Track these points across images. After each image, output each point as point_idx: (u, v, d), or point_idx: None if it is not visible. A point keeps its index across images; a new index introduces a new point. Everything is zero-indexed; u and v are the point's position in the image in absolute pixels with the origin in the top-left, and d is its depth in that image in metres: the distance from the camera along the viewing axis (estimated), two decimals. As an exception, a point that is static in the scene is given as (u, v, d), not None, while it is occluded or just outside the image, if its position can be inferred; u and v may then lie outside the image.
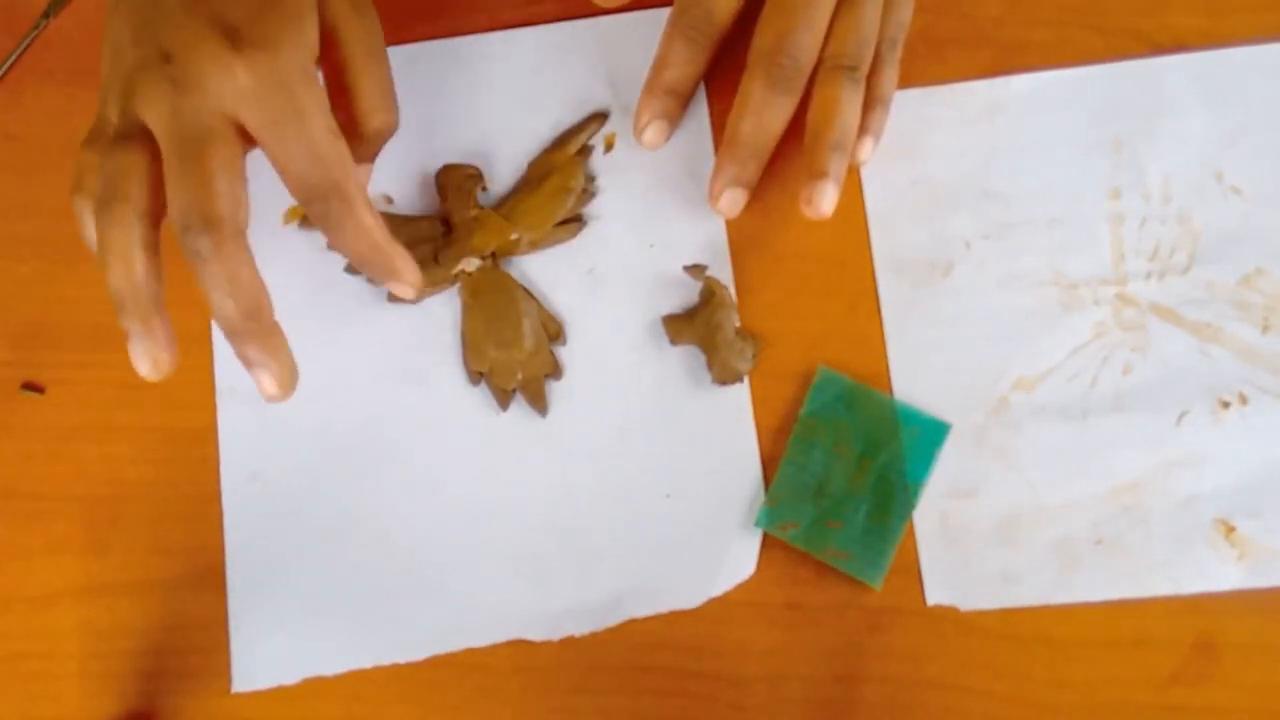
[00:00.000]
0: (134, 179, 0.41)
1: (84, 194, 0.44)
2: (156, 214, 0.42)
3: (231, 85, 0.41)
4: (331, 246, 0.46)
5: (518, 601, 0.49)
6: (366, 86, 0.46)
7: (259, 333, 0.41)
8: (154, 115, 0.41)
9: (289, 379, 0.42)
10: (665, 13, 0.50)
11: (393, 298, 0.51)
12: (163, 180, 0.41)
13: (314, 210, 0.43)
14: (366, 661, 0.49)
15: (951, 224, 0.51)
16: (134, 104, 0.42)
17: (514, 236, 0.51)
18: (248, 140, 0.42)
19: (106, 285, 0.41)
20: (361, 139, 0.47)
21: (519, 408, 0.50)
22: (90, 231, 0.43)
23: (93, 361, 0.52)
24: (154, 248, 0.42)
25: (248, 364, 0.42)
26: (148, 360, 0.41)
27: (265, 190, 0.51)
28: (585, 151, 0.52)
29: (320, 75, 0.45)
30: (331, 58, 0.46)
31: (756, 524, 0.49)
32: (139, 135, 0.42)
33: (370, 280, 0.50)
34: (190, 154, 0.40)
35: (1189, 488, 0.48)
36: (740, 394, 0.50)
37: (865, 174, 0.51)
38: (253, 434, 0.51)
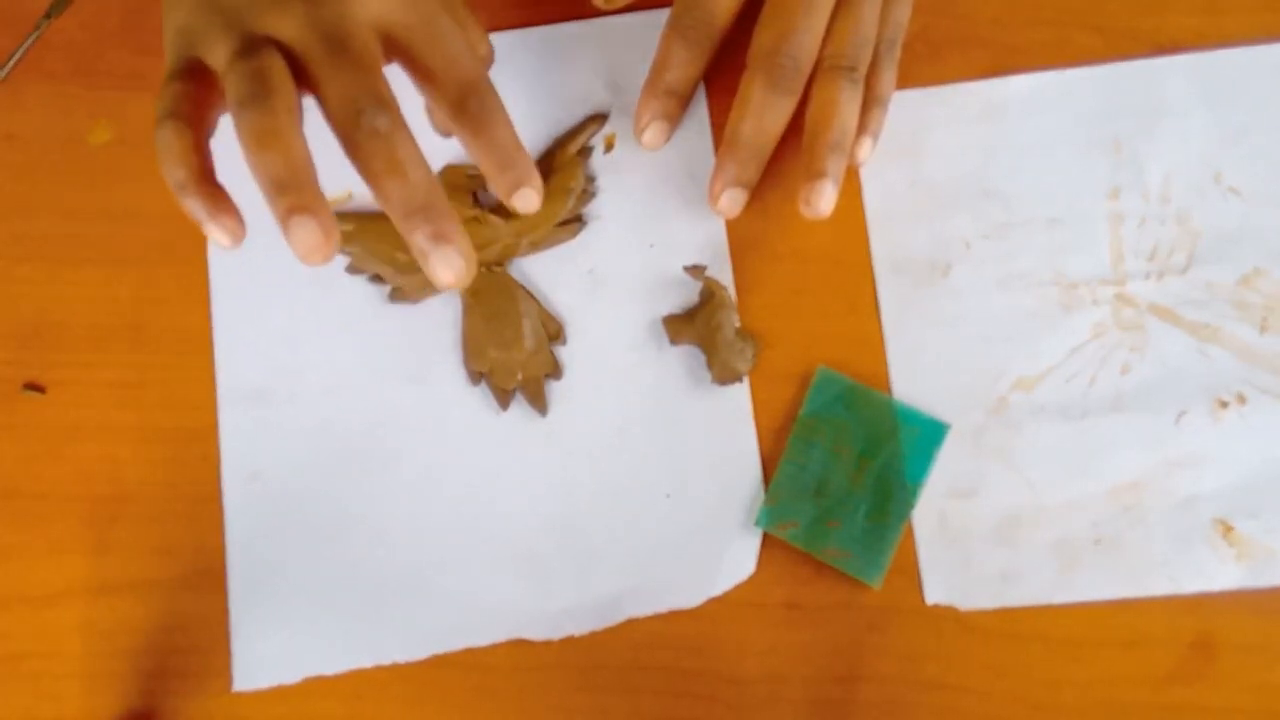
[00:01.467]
0: (277, 74, 0.39)
1: (185, 123, 0.40)
2: (300, 110, 0.40)
3: None
4: (475, 149, 0.43)
5: (517, 601, 0.49)
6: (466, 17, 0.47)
7: (438, 214, 0.39)
8: (292, 25, 0.40)
9: (466, 265, 0.40)
10: (665, 13, 0.50)
11: (394, 297, 0.51)
12: (299, 84, 0.40)
13: (469, 107, 0.42)
14: (366, 661, 0.49)
15: (951, 224, 0.51)
16: (260, 23, 0.40)
17: (513, 240, 0.51)
18: (389, 53, 0.42)
19: (259, 177, 0.38)
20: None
21: (519, 408, 0.50)
22: (177, 168, 0.40)
23: (93, 361, 0.52)
24: (302, 136, 0.39)
25: (422, 251, 0.39)
26: (311, 240, 0.38)
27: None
28: (585, 152, 0.52)
29: None
30: None
31: (756, 524, 0.49)
32: (268, 46, 0.40)
33: (500, 189, 0.44)
34: (343, 48, 0.39)
35: (1188, 488, 0.48)
36: (740, 394, 0.50)
37: (864, 174, 0.51)
38: (253, 434, 0.51)
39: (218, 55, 0.41)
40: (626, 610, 0.49)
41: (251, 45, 0.40)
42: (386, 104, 0.39)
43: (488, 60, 0.49)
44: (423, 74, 0.42)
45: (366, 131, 0.38)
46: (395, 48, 0.42)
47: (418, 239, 0.39)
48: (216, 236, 0.40)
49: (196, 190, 0.39)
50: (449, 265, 0.39)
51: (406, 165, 0.39)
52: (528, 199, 0.43)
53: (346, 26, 0.40)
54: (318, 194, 0.38)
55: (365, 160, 0.39)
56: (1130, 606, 0.47)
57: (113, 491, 0.51)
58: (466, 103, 0.42)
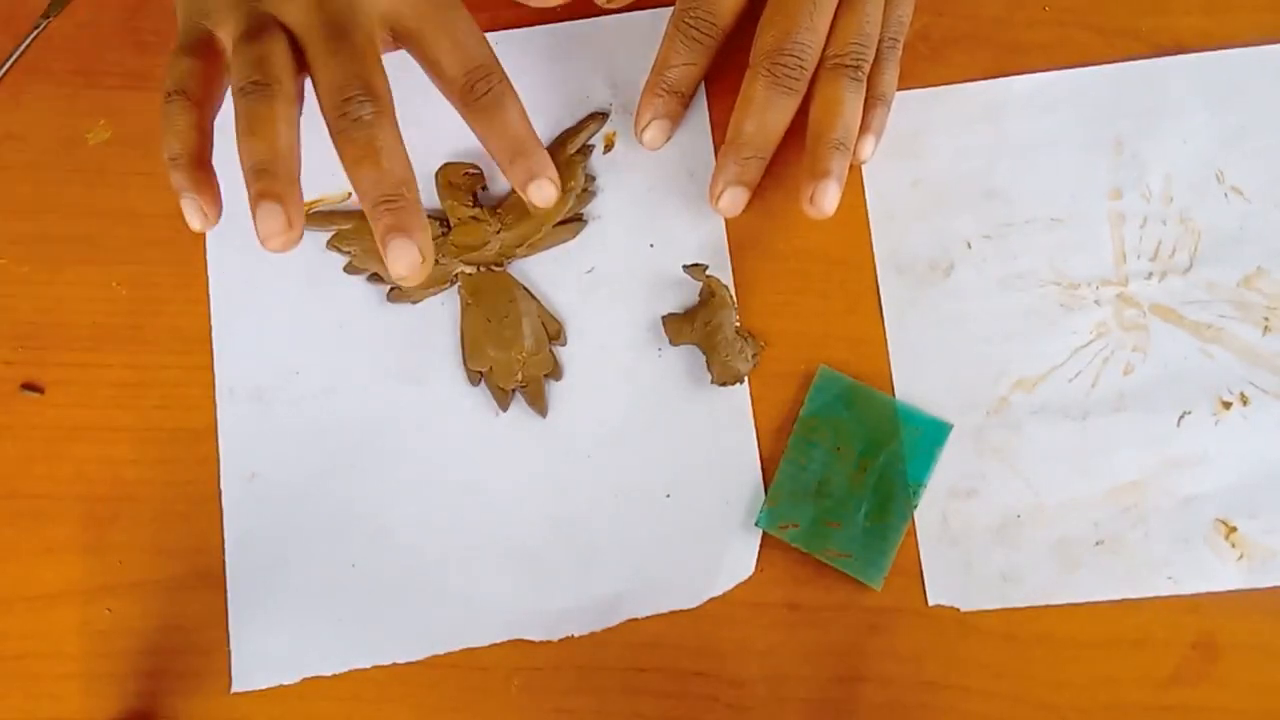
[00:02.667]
0: (278, 61, 0.41)
1: (188, 101, 0.42)
2: (300, 99, 0.42)
3: None
4: (486, 137, 0.44)
5: (517, 601, 0.49)
6: None
7: (404, 207, 0.40)
8: (298, 10, 0.41)
9: (422, 261, 0.41)
10: (665, 13, 0.50)
11: (393, 297, 0.51)
12: (300, 69, 0.41)
13: (477, 93, 0.43)
14: (365, 661, 0.49)
15: (953, 224, 0.51)
16: (271, 2, 0.42)
17: (512, 240, 0.51)
18: (394, 41, 0.43)
19: (242, 159, 0.40)
20: None
21: (519, 408, 0.50)
22: (174, 142, 0.41)
23: (93, 361, 0.52)
24: (296, 128, 0.41)
25: (384, 240, 0.40)
26: (273, 224, 0.39)
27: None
28: (585, 151, 0.52)
29: None
30: None
31: (756, 524, 0.48)
32: (273, 27, 0.42)
33: (514, 180, 0.45)
34: (342, 34, 0.41)
35: (1189, 488, 0.48)
36: (740, 394, 0.50)
37: (867, 174, 0.51)
38: (253, 434, 0.51)
39: (225, 30, 0.42)
40: (626, 611, 0.49)
41: (258, 27, 0.41)
42: (374, 94, 0.40)
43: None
44: (430, 62, 0.43)
45: (351, 118, 0.40)
46: (404, 36, 0.43)
47: (380, 227, 0.40)
48: (188, 213, 0.41)
49: (186, 166, 0.41)
50: (405, 257, 0.40)
51: (382, 154, 0.40)
52: (543, 190, 0.45)
53: (354, 17, 0.41)
54: (292, 184, 0.40)
55: (345, 145, 0.40)
56: (1132, 607, 0.47)
57: (112, 491, 0.51)
58: (474, 88, 0.43)
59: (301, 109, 0.43)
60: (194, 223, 0.42)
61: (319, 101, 0.41)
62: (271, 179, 0.40)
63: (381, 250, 0.41)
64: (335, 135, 0.40)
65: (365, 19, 0.42)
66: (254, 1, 0.42)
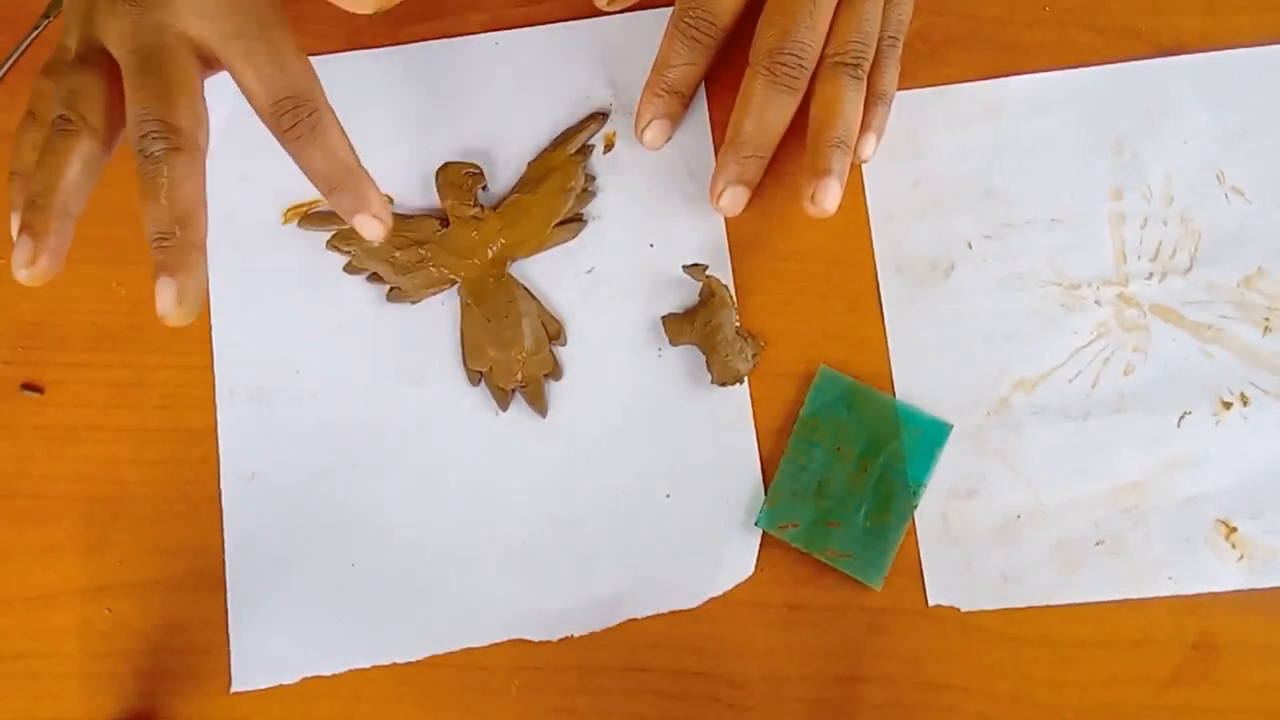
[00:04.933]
0: (90, 98, 0.41)
1: (34, 123, 0.44)
2: (108, 135, 0.42)
3: (193, 4, 0.42)
4: (303, 168, 0.44)
5: (517, 601, 0.49)
6: None
7: (172, 246, 0.40)
8: (114, 35, 0.42)
9: (190, 302, 0.40)
10: (665, 13, 0.50)
11: (392, 297, 0.51)
12: (119, 102, 0.42)
13: (283, 124, 0.42)
14: (365, 661, 0.49)
15: (953, 224, 0.51)
16: (94, 26, 0.42)
17: (512, 241, 0.51)
18: (208, 66, 0.43)
19: (25, 190, 0.41)
20: None
21: (518, 408, 0.50)
22: (25, 155, 0.43)
23: (93, 362, 0.52)
24: (92, 165, 0.42)
25: (156, 273, 0.40)
26: (22, 259, 0.40)
27: (265, 190, 0.52)
28: (585, 151, 0.52)
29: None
30: None
31: (756, 524, 0.48)
32: (98, 57, 0.42)
33: (339, 211, 0.45)
34: (150, 68, 0.41)
35: (1190, 488, 0.48)
36: (740, 394, 0.50)
37: (867, 174, 0.51)
38: (252, 434, 0.51)
39: (70, 44, 0.43)
40: (626, 610, 0.49)
41: (84, 52, 0.42)
42: (169, 128, 0.40)
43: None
44: (242, 89, 0.43)
45: (145, 154, 0.40)
46: (214, 63, 0.43)
47: (152, 259, 0.40)
48: (12, 226, 0.43)
49: (21, 185, 0.43)
50: (164, 295, 0.40)
51: (162, 190, 0.40)
52: (366, 226, 0.44)
53: (164, 40, 0.41)
54: (58, 219, 0.41)
55: (139, 176, 0.40)
56: (1132, 607, 0.47)
57: (111, 491, 0.51)
58: (281, 120, 0.43)
59: (117, 142, 0.43)
60: (13, 233, 0.42)
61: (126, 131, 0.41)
62: (36, 212, 0.40)
63: (156, 284, 0.41)
64: (136, 167, 0.41)
65: (176, 47, 0.42)
66: (88, 20, 0.42)
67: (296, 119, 0.42)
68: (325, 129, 0.43)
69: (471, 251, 0.51)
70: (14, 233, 0.42)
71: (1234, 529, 0.48)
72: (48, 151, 0.41)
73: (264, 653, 0.49)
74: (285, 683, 0.49)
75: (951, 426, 0.49)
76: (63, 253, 0.41)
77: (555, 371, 0.50)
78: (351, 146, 0.44)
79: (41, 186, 0.41)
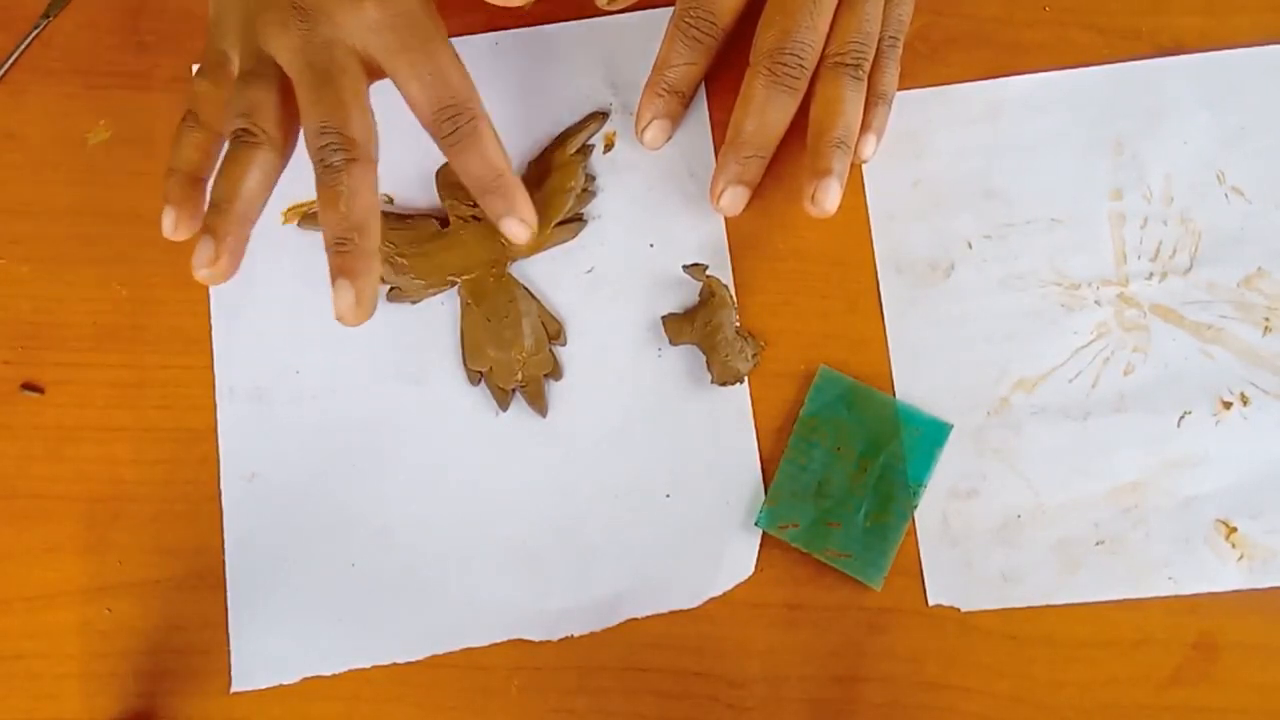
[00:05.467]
0: (268, 111, 0.43)
1: (197, 124, 0.46)
2: (285, 147, 0.44)
3: (360, 19, 0.43)
4: (459, 171, 0.46)
5: (517, 601, 0.49)
6: None
7: (351, 252, 0.42)
8: (285, 50, 0.43)
9: (367, 304, 0.43)
10: (666, 13, 0.50)
11: (392, 297, 0.51)
12: (293, 115, 0.43)
13: (444, 130, 0.44)
14: (365, 661, 0.49)
15: (953, 224, 0.51)
16: (264, 41, 0.44)
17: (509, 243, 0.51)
18: (371, 77, 0.44)
19: (210, 193, 0.43)
20: None
21: (519, 408, 0.50)
22: (176, 158, 0.45)
23: (93, 361, 0.52)
24: (271, 175, 0.44)
25: (333, 276, 0.42)
26: (203, 258, 0.43)
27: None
28: (585, 151, 0.52)
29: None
30: None
31: (756, 524, 0.48)
32: (269, 70, 0.44)
33: (489, 213, 0.47)
34: (324, 81, 0.43)
35: (1190, 488, 0.48)
36: (740, 394, 0.50)
37: (867, 174, 0.51)
38: (252, 434, 0.51)
39: (234, 59, 0.45)
40: (626, 610, 0.49)
41: (256, 67, 0.44)
42: (347, 140, 0.42)
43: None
44: (405, 97, 0.45)
45: (325, 164, 0.42)
46: (379, 73, 0.45)
47: (330, 267, 0.42)
48: (165, 220, 0.45)
49: (178, 182, 0.45)
50: (343, 299, 0.42)
51: (342, 198, 0.42)
52: (513, 228, 0.46)
53: (334, 55, 0.43)
54: (238, 224, 0.43)
55: (319, 187, 0.42)
56: (1132, 607, 0.47)
57: (112, 491, 0.51)
58: (442, 126, 0.44)
59: (292, 151, 0.45)
60: (166, 228, 0.45)
61: (304, 142, 0.43)
62: (218, 215, 0.43)
63: (332, 287, 0.43)
64: (315, 171, 0.42)
65: (345, 60, 0.43)
66: (255, 36, 0.44)
67: (457, 125, 0.44)
68: (482, 135, 0.45)
69: (471, 251, 0.51)
70: (167, 227, 0.45)
71: (1234, 529, 0.48)
72: (231, 161, 0.43)
73: (264, 653, 0.49)
74: (285, 683, 0.49)
75: (951, 426, 0.49)
76: (240, 256, 0.43)
77: (555, 371, 0.50)
78: (505, 153, 0.45)
79: (224, 193, 0.43)
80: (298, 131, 0.44)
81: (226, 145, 0.43)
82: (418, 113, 0.45)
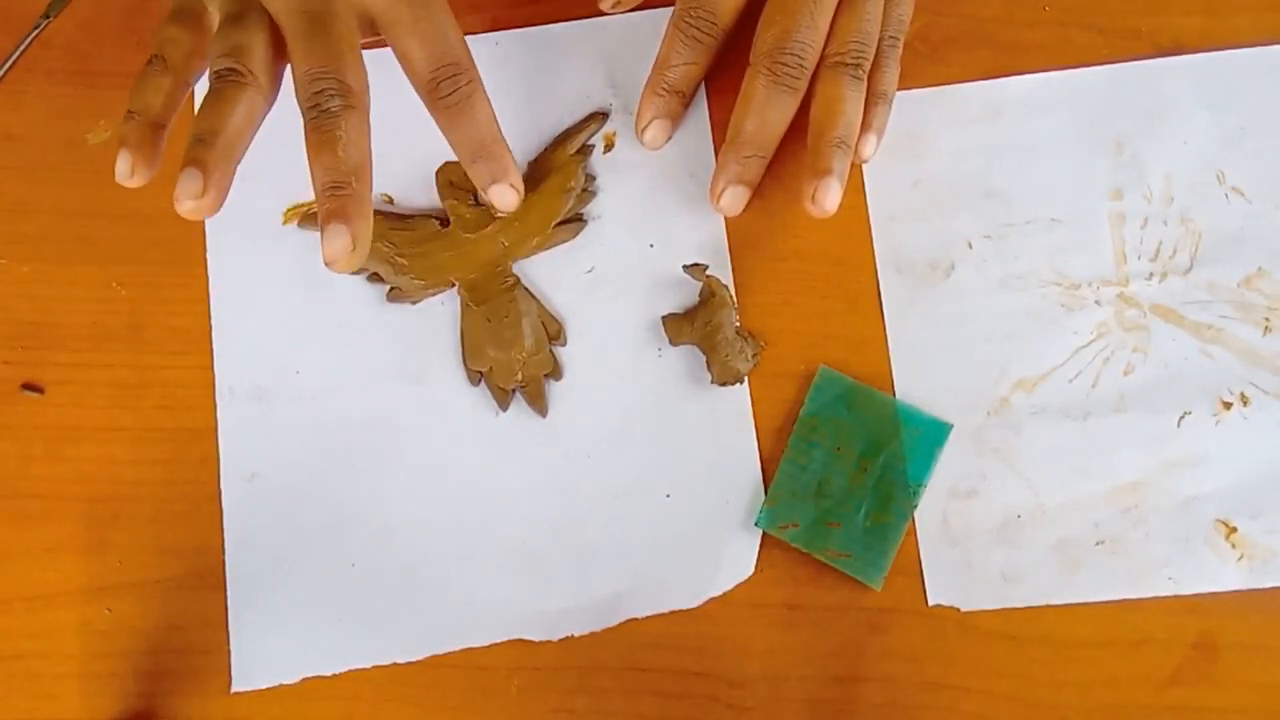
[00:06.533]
0: (255, 53, 0.42)
1: (165, 69, 0.43)
2: (270, 91, 0.43)
3: None
4: (449, 136, 0.45)
5: (517, 601, 0.49)
6: None
7: (348, 195, 0.41)
8: None
9: (361, 247, 0.41)
10: (666, 13, 0.50)
11: (392, 297, 0.51)
12: (280, 60, 0.43)
13: (442, 91, 0.44)
14: (365, 661, 0.49)
15: (953, 224, 0.51)
16: None
17: (512, 241, 0.51)
18: (364, 32, 0.44)
19: (193, 129, 0.41)
20: None
21: (519, 408, 0.50)
22: (138, 100, 0.43)
23: (93, 362, 0.52)
24: (256, 117, 0.42)
25: (322, 224, 0.41)
26: (190, 189, 0.41)
27: (265, 191, 0.52)
28: (585, 151, 0.52)
29: None
30: None
31: (756, 524, 0.48)
32: (255, 15, 0.43)
33: (476, 181, 0.47)
34: (319, 29, 0.42)
35: (1190, 488, 0.48)
36: (740, 394, 0.50)
37: (867, 174, 0.51)
38: (253, 434, 0.51)
39: (215, 5, 0.44)
40: (626, 610, 0.49)
41: (242, 10, 0.42)
42: (345, 87, 0.41)
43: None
44: (401, 56, 0.44)
45: (320, 109, 0.41)
46: (379, 29, 0.44)
47: (323, 212, 0.41)
48: (120, 164, 0.42)
49: (139, 124, 0.43)
50: (336, 242, 0.41)
51: (340, 143, 0.41)
52: (503, 195, 0.46)
53: (331, 7, 0.42)
54: (224, 158, 0.41)
55: (310, 133, 0.41)
56: (1132, 607, 0.47)
57: (111, 492, 0.51)
58: (440, 86, 0.44)
59: (275, 99, 0.43)
60: (120, 173, 0.43)
61: (295, 89, 0.42)
62: (204, 148, 0.41)
63: (321, 235, 0.41)
64: (305, 123, 0.41)
65: (343, 9, 0.43)
66: None
67: (455, 87, 0.44)
68: (477, 100, 0.44)
69: (471, 251, 0.51)
70: (122, 172, 0.42)
71: (1234, 529, 0.48)
72: (216, 97, 0.41)
73: (264, 653, 0.49)
74: (285, 683, 0.49)
75: (951, 426, 0.49)
76: (225, 193, 0.41)
77: (555, 371, 0.50)
78: (496, 120, 0.45)
79: (211, 126, 0.41)
80: (282, 79, 0.43)
81: (209, 85, 0.42)
82: (413, 71, 0.44)
